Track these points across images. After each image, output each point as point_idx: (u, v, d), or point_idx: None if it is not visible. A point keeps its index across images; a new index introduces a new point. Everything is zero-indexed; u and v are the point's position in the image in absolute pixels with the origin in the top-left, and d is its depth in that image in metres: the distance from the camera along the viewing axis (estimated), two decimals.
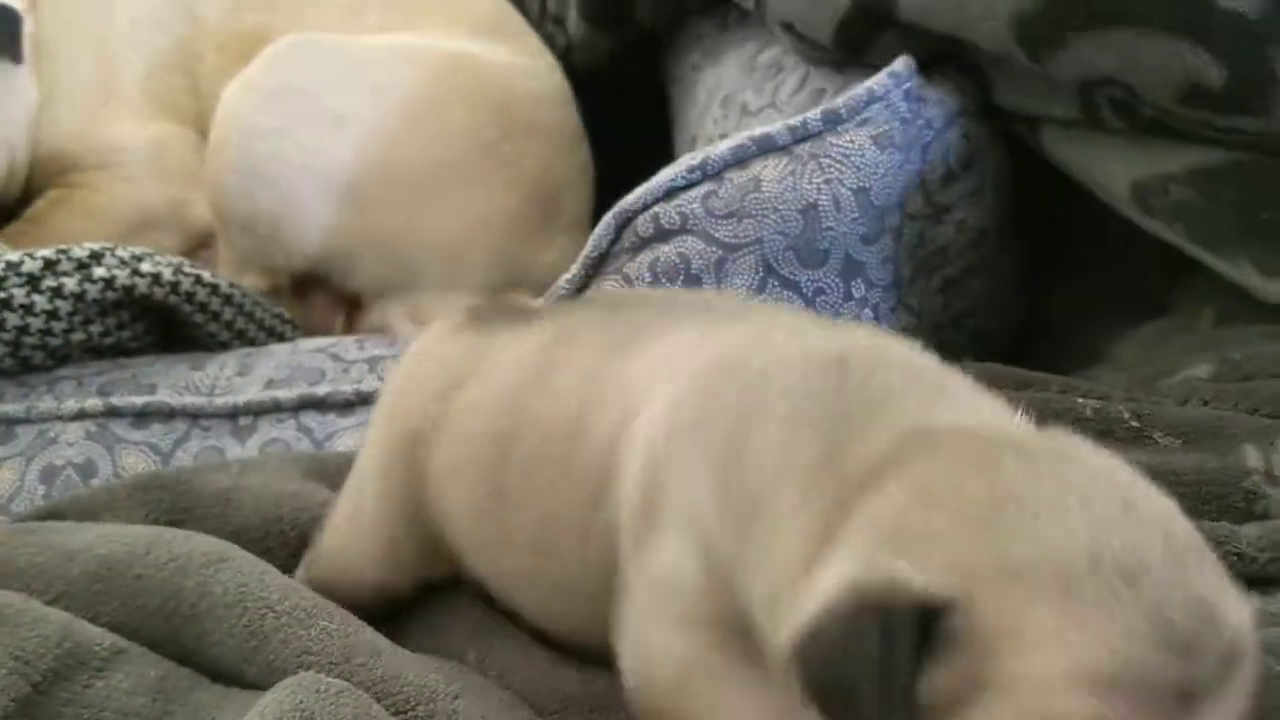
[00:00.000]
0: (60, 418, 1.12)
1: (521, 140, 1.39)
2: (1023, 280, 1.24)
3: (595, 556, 0.67)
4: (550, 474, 0.70)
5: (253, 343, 1.24)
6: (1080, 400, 0.90)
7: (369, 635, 0.74)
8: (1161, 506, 0.51)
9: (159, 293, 1.18)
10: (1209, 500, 0.79)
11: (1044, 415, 0.63)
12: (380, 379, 1.13)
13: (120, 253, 1.18)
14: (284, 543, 0.91)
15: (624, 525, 0.65)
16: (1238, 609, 0.49)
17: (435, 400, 0.78)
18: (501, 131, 1.38)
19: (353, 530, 0.83)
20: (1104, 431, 0.85)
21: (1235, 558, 0.74)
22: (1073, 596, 0.46)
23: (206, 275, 1.21)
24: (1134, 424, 0.87)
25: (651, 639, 0.63)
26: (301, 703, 0.65)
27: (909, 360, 0.63)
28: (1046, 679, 0.46)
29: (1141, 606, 0.46)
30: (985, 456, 0.53)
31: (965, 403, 0.60)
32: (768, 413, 0.60)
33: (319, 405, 1.13)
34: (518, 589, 0.76)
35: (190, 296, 1.20)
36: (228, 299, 1.23)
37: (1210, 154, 0.97)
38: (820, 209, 1.04)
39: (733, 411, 0.62)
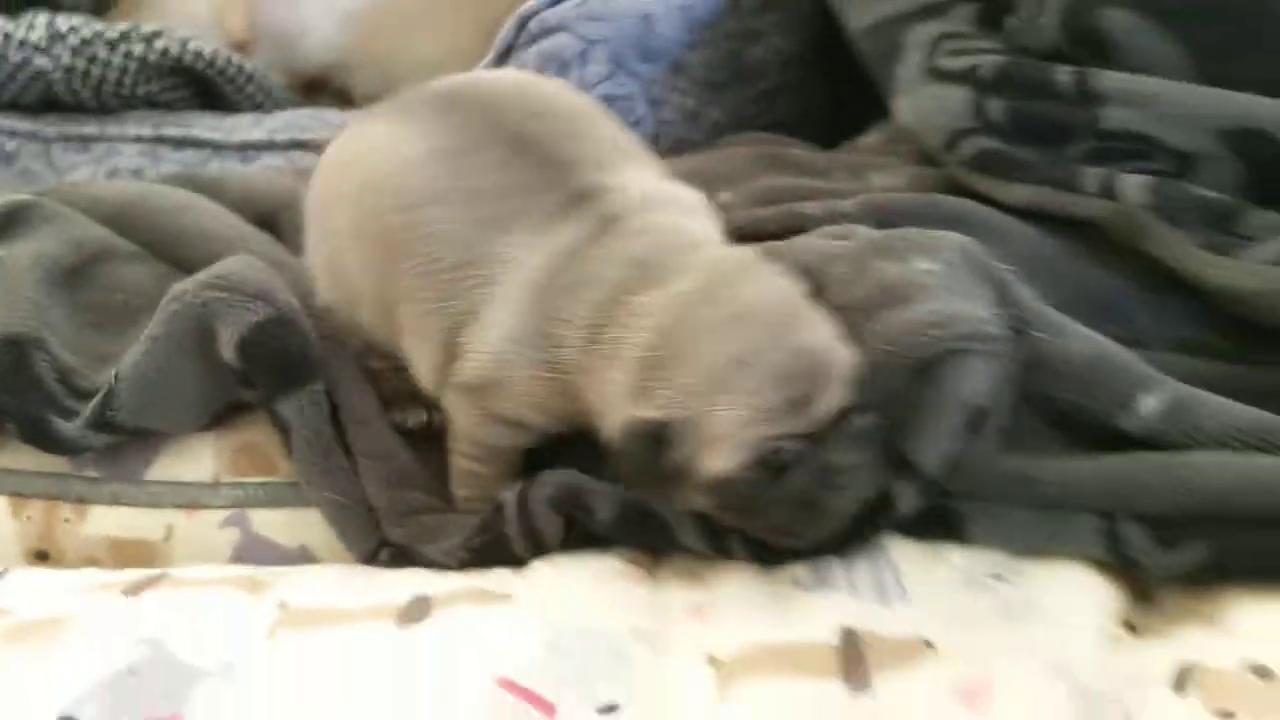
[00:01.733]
0: (124, 139, 1.59)
1: None
2: (830, 104, 1.64)
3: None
4: (423, 289, 0.96)
5: (263, 109, 1.70)
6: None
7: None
8: (776, 304, 0.88)
9: (200, 64, 1.65)
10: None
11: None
12: None
13: (177, 34, 1.65)
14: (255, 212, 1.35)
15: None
16: (825, 338, 0.88)
17: (334, 177, 1.03)
18: None
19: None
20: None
21: None
22: (725, 387, 0.84)
23: (236, 57, 1.68)
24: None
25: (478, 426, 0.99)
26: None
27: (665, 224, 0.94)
28: (727, 430, 0.84)
29: (762, 373, 0.84)
30: (674, 319, 0.86)
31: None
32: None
33: (303, 146, 1.58)
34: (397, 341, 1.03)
35: (223, 71, 1.67)
36: (250, 77, 1.70)
37: None
38: (654, 17, 1.46)
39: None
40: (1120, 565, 0.92)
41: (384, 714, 0.77)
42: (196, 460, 1.12)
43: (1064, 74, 1.14)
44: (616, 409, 0.89)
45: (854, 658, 0.84)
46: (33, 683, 0.80)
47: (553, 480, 0.96)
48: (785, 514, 0.88)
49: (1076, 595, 0.91)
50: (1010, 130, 1.18)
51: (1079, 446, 0.98)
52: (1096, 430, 0.98)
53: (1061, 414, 0.98)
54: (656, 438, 0.86)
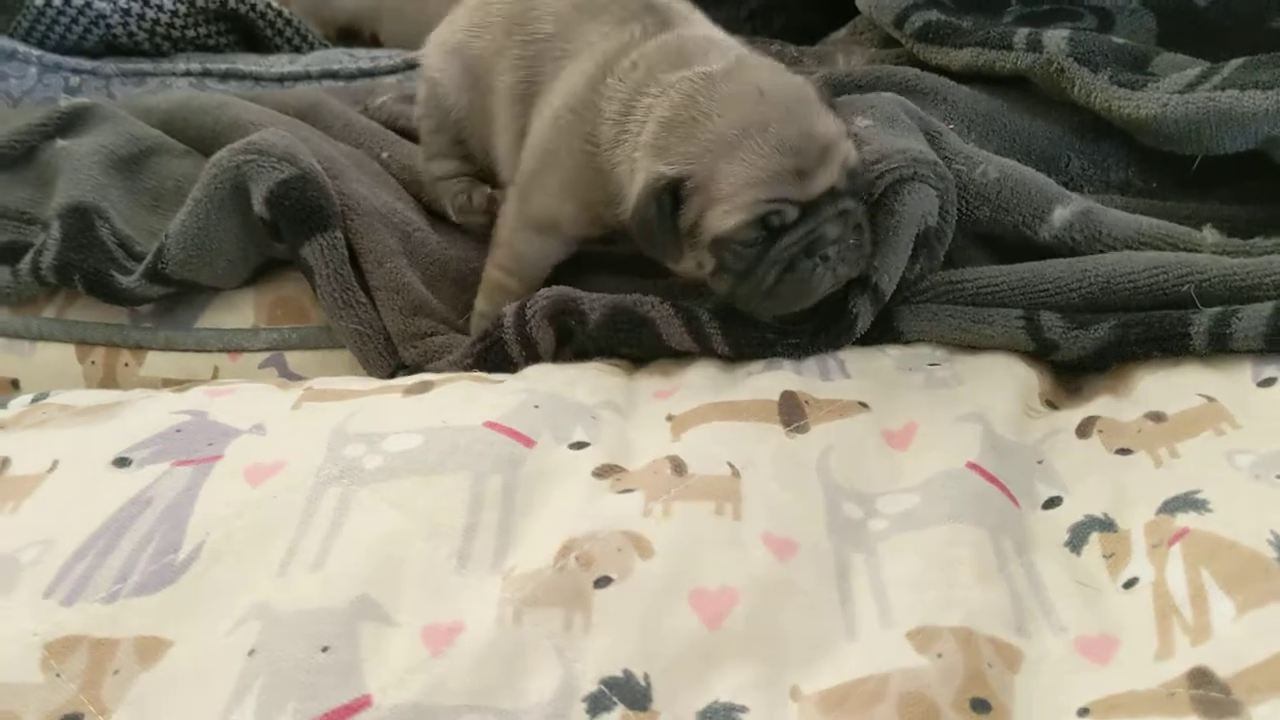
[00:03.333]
0: (174, 74, 1.76)
1: None
2: (826, 22, 1.76)
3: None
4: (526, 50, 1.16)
5: (299, 51, 1.87)
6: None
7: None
8: (789, 90, 1.02)
9: (243, 8, 1.82)
10: None
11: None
12: (374, 75, 1.75)
13: None
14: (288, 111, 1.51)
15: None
16: (829, 126, 1.01)
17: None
18: None
19: None
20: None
21: None
22: (736, 151, 0.97)
23: (276, 3, 1.86)
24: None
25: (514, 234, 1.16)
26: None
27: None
28: (733, 189, 0.97)
29: (770, 141, 0.97)
30: (698, 89, 1.00)
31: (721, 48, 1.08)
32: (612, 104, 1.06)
33: (334, 75, 1.75)
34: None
35: (264, 15, 1.85)
36: (289, 21, 1.87)
37: None
38: None
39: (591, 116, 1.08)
40: (1040, 349, 1.05)
41: (386, 450, 0.90)
42: (239, 311, 1.27)
43: None
44: (638, 172, 1.00)
45: (793, 408, 0.97)
46: (95, 438, 0.95)
47: (548, 294, 1.10)
48: (774, 276, 1.01)
49: (1000, 374, 1.03)
50: (951, 2, 1.31)
51: (1001, 258, 1.11)
52: (1016, 244, 1.11)
53: (983, 231, 1.11)
54: (671, 192, 0.98)
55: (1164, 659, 0.72)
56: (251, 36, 1.88)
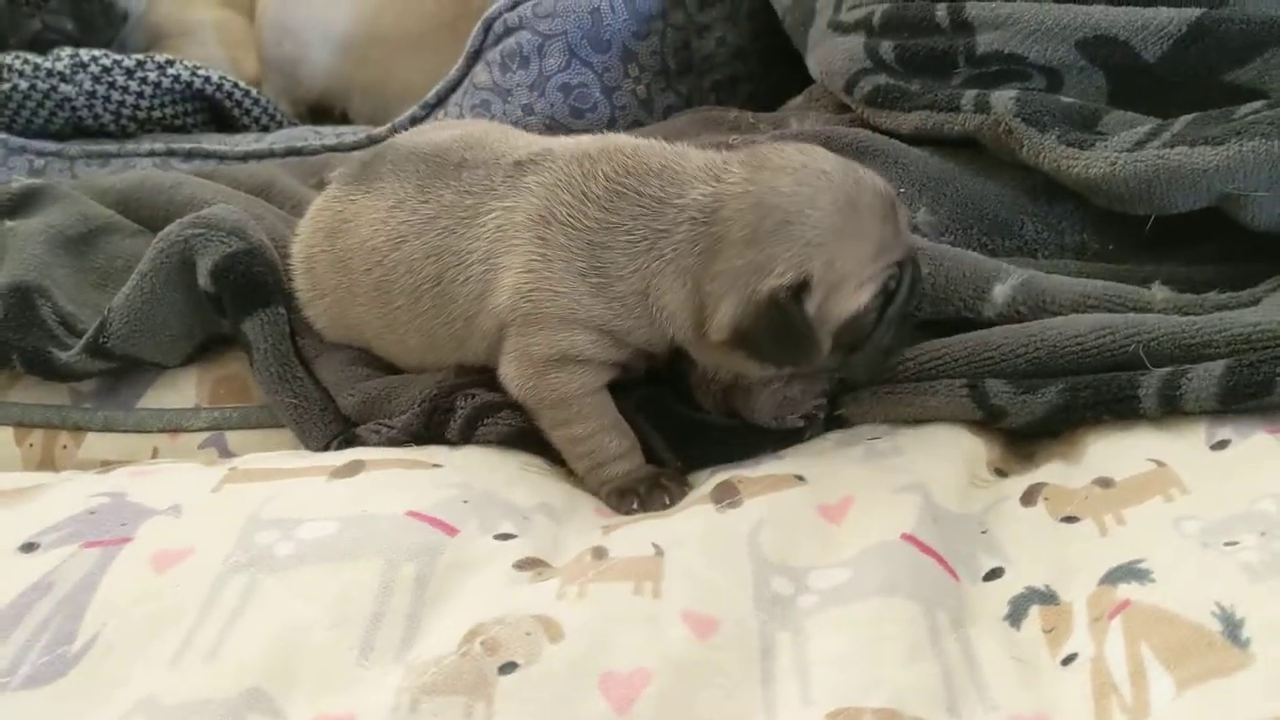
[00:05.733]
0: (138, 154, 1.76)
1: (471, 21, 1.99)
2: (795, 92, 1.75)
3: (475, 344, 1.06)
4: (425, 312, 1.07)
5: (267, 130, 1.88)
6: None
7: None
8: (834, 166, 0.98)
9: (209, 88, 1.83)
10: None
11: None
12: (339, 151, 1.74)
13: (188, 63, 1.84)
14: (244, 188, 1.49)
15: (502, 328, 1.03)
16: (881, 181, 1.00)
17: (322, 238, 1.15)
18: (457, 13, 2.00)
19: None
20: None
21: None
22: (844, 234, 0.95)
23: (243, 83, 1.86)
24: None
25: (537, 381, 1.02)
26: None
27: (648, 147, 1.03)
28: (855, 269, 0.95)
29: (868, 214, 0.96)
30: (758, 196, 0.95)
31: (702, 159, 1.02)
32: (605, 231, 0.99)
33: (299, 153, 1.74)
34: (409, 358, 1.14)
35: (230, 94, 1.85)
36: (256, 100, 1.88)
37: None
38: (602, 11, 1.61)
39: (573, 249, 0.99)
40: (987, 417, 1.01)
41: (299, 537, 0.86)
42: (181, 391, 1.25)
43: (940, 9, 1.26)
44: (727, 294, 0.95)
45: (726, 490, 0.94)
46: (6, 522, 0.92)
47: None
48: (891, 335, 1.01)
49: (943, 443, 1.00)
50: (899, 67, 1.30)
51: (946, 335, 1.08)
52: (960, 325, 1.08)
53: (926, 319, 1.08)
54: (796, 298, 0.94)
55: None
56: (220, 116, 1.88)
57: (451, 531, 0.86)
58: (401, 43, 1.97)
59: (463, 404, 1.06)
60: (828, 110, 1.42)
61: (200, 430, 1.21)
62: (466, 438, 1.06)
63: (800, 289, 0.95)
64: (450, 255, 1.05)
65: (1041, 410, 0.99)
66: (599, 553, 0.85)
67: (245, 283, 1.18)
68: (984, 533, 0.90)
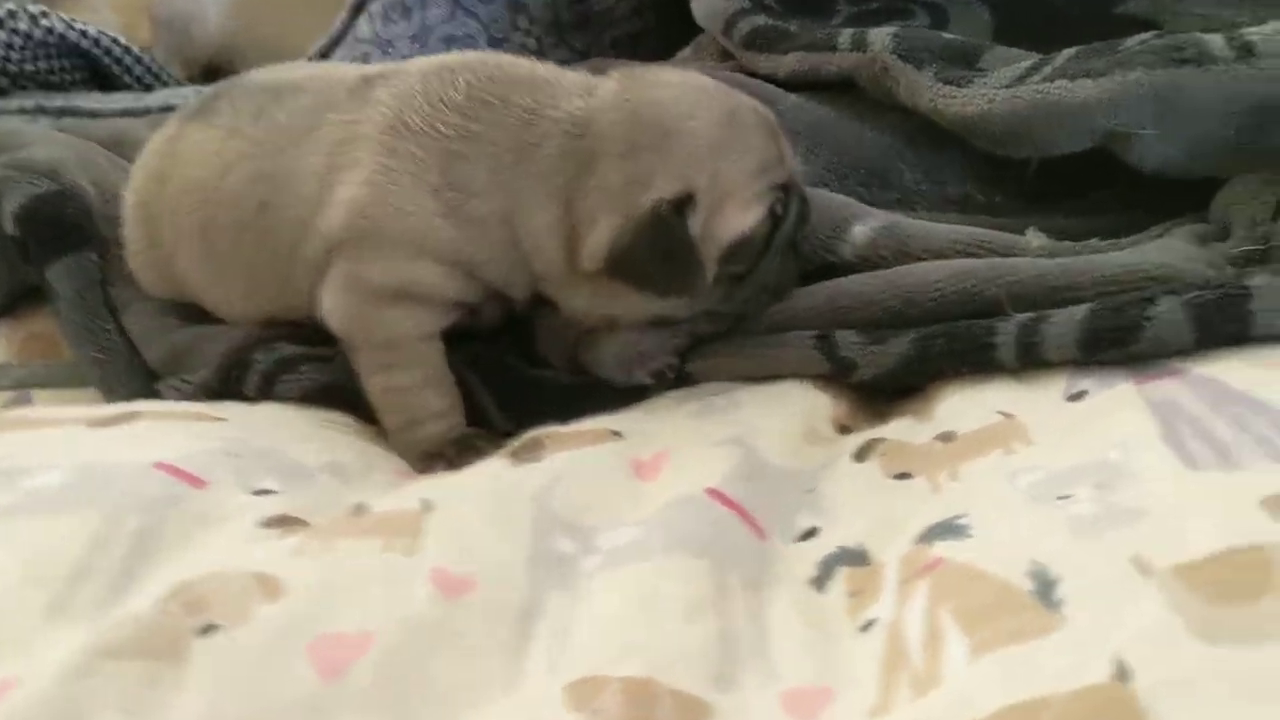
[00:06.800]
0: (6, 111, 1.65)
1: None
2: None
3: (299, 280, 0.93)
4: (250, 243, 0.95)
5: (150, 89, 1.77)
6: None
7: None
8: (711, 83, 0.92)
9: (85, 43, 1.72)
10: None
11: None
12: None
13: (65, 16, 1.73)
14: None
15: (331, 253, 0.90)
16: (759, 104, 0.93)
17: (154, 183, 1.03)
18: None
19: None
20: None
21: None
22: (728, 148, 0.87)
23: (123, 39, 1.76)
24: None
25: (365, 315, 0.91)
26: None
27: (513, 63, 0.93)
28: (740, 185, 0.87)
29: (749, 130, 0.89)
30: (635, 108, 0.87)
31: (578, 76, 0.93)
32: (464, 140, 0.88)
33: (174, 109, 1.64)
34: (231, 313, 1.03)
35: (109, 51, 1.74)
36: (138, 59, 1.77)
37: None
38: None
39: (426, 162, 0.87)
40: (837, 370, 0.92)
41: (20, 487, 0.75)
42: None
43: None
44: (601, 212, 0.86)
45: (531, 445, 0.84)
46: None
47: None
48: (778, 266, 0.93)
49: (785, 398, 0.91)
50: (778, 5, 1.20)
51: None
52: (820, 272, 0.98)
53: None
54: (679, 213, 0.85)
55: (879, 715, 0.58)
56: (100, 75, 1.77)
57: (198, 484, 0.76)
58: (293, 4, 1.87)
59: (261, 358, 0.96)
60: (713, 60, 1.32)
61: (6, 389, 1.11)
62: (266, 394, 0.95)
63: (683, 204, 0.86)
64: (279, 177, 0.93)
65: (892, 362, 0.89)
66: (360, 509, 0.74)
67: (52, 226, 1.08)
68: (810, 491, 0.80)
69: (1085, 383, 0.81)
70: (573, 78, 0.93)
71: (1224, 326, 0.80)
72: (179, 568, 0.68)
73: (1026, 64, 1.01)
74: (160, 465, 0.77)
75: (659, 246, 0.86)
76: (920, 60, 1.05)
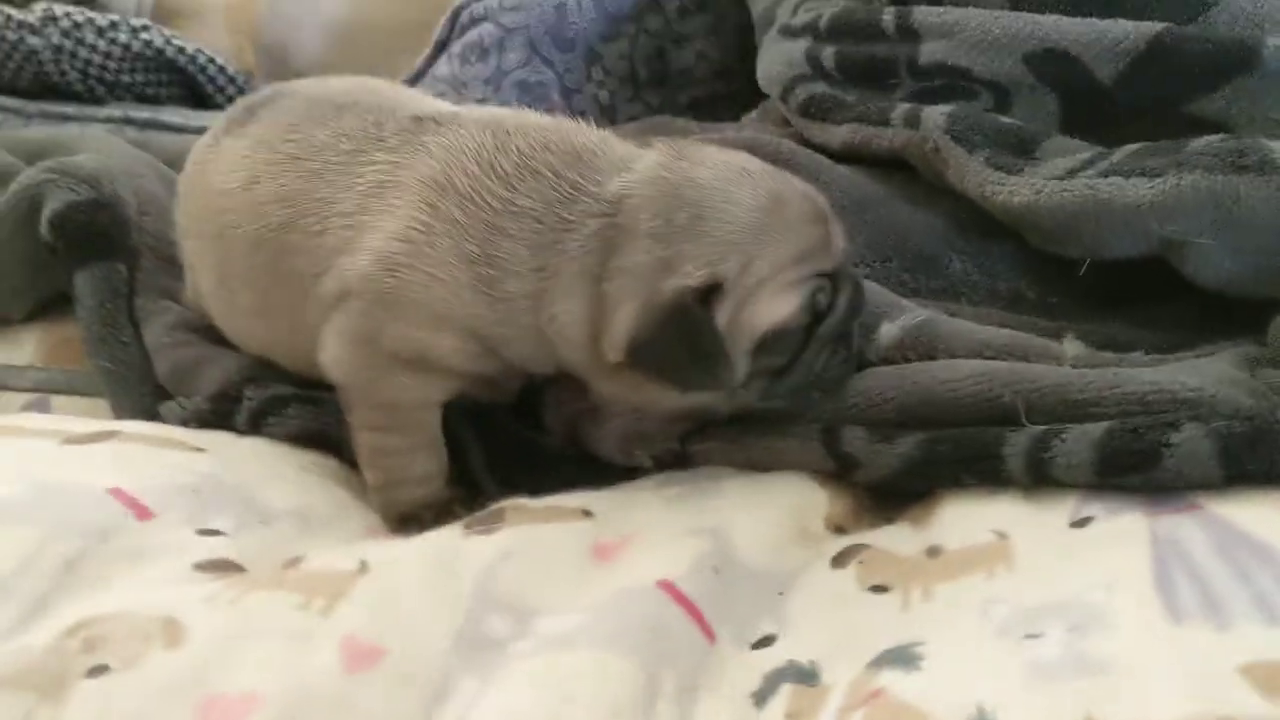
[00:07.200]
0: (95, 119, 1.70)
1: None
2: None
3: (311, 314, 0.87)
4: (264, 264, 0.90)
5: None
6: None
7: None
8: (757, 164, 0.85)
9: (182, 59, 1.76)
10: None
11: None
12: None
13: (165, 31, 1.78)
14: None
15: (343, 299, 0.85)
16: (812, 189, 0.86)
17: (183, 194, 1.01)
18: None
19: None
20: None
21: None
22: (765, 234, 0.81)
23: (219, 59, 1.79)
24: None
25: (371, 376, 0.86)
26: None
27: (561, 130, 0.86)
28: (775, 272, 0.80)
29: (793, 215, 0.82)
30: (671, 187, 0.81)
31: (625, 149, 0.86)
32: (509, 215, 0.82)
33: None
34: (237, 338, 1.00)
35: (204, 69, 1.78)
36: (231, 79, 1.81)
37: None
38: (567, 7, 1.51)
39: (468, 230, 0.82)
40: (839, 467, 0.86)
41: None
42: (19, 347, 1.16)
43: (888, 15, 1.12)
44: (625, 298, 0.80)
45: (494, 516, 0.80)
46: None
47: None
48: (824, 360, 0.85)
49: (777, 492, 0.85)
50: (838, 75, 1.16)
51: None
52: None
53: None
54: (705, 302, 0.79)
55: None
56: (195, 92, 1.82)
57: (146, 515, 0.74)
58: (394, 31, 1.89)
59: (252, 395, 0.94)
60: (775, 126, 1.28)
61: (25, 390, 1.12)
62: (254, 431, 0.94)
63: (710, 293, 0.79)
64: (308, 202, 0.88)
65: (896, 463, 0.83)
66: (294, 561, 0.72)
67: (83, 233, 1.09)
68: (780, 594, 0.75)
69: (1094, 508, 0.75)
70: (619, 150, 0.86)
71: (1254, 463, 0.72)
72: (92, 602, 0.66)
73: (1084, 156, 0.95)
74: (114, 491, 0.76)
75: (681, 338, 0.79)
76: (973, 143, 1.00)
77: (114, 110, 1.71)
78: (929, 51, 1.08)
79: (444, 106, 0.95)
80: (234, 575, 0.71)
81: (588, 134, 0.88)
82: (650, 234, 0.80)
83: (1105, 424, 0.76)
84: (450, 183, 0.84)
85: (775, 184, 0.84)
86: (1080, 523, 0.74)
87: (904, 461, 0.83)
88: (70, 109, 1.71)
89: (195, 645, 0.62)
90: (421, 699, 0.62)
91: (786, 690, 0.65)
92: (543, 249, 0.82)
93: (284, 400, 0.93)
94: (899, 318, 0.92)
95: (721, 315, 0.80)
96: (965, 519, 0.78)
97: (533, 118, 0.90)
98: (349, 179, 0.88)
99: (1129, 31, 0.97)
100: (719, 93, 1.60)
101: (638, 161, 0.85)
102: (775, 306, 0.81)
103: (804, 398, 0.86)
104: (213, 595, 0.66)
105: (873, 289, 0.96)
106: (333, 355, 0.87)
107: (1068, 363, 0.87)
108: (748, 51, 1.58)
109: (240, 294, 0.96)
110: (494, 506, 0.81)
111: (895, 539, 0.80)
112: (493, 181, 0.83)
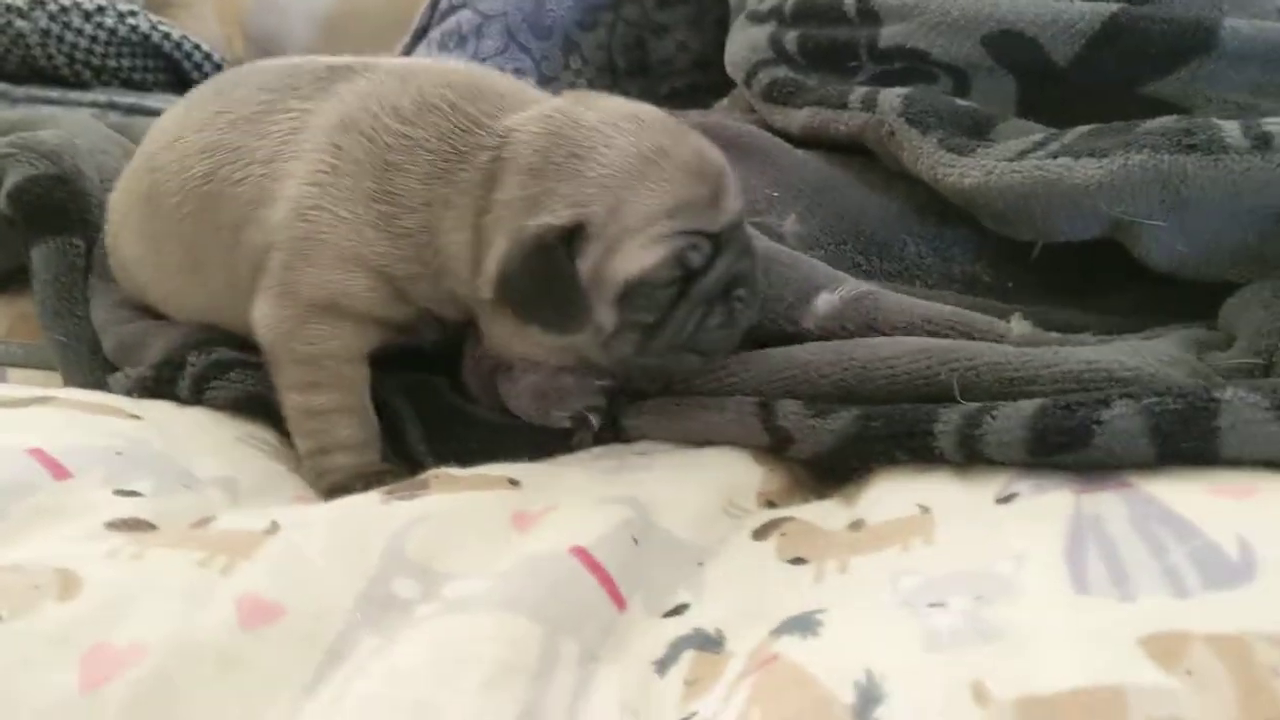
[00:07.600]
0: (80, 104, 1.71)
1: None
2: None
3: (242, 268, 0.90)
4: (189, 216, 0.92)
5: None
6: None
7: None
8: (663, 115, 0.85)
9: (168, 46, 1.77)
10: None
11: None
12: None
13: (152, 17, 1.78)
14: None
15: (269, 251, 0.87)
16: (714, 150, 0.85)
17: (130, 178, 1.02)
18: None
19: None
20: None
21: None
22: (640, 181, 0.80)
23: (205, 45, 1.80)
24: None
25: (293, 328, 0.87)
26: None
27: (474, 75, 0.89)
28: (645, 222, 0.80)
29: (674, 167, 0.81)
30: (557, 125, 0.81)
31: (537, 94, 0.89)
32: (403, 149, 0.84)
33: None
34: (170, 303, 1.02)
35: (189, 55, 1.79)
36: (217, 65, 1.81)
37: None
38: None
39: (366, 166, 0.84)
40: (774, 442, 0.85)
41: None
42: None
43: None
44: (499, 232, 0.82)
45: (414, 485, 0.79)
46: None
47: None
48: (695, 323, 0.84)
49: (707, 466, 0.85)
50: (800, 59, 1.15)
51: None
52: (780, 335, 0.92)
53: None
54: (566, 242, 0.80)
55: None
56: (182, 78, 1.82)
57: (63, 475, 0.74)
58: (382, 19, 1.89)
59: (195, 360, 0.94)
60: (742, 112, 1.27)
61: None
62: (197, 397, 0.93)
63: (573, 233, 0.79)
64: (227, 151, 0.91)
65: (830, 439, 0.82)
66: (204, 521, 0.71)
67: (39, 206, 1.10)
68: (700, 565, 0.74)
69: (1022, 485, 0.74)
70: (530, 94, 0.88)
71: (1185, 442, 0.70)
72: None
73: (1036, 138, 0.94)
74: (33, 451, 0.76)
75: (540, 276, 0.80)
76: (927, 125, 0.99)
77: (99, 95, 1.71)
78: (889, 35, 1.07)
79: (365, 59, 0.95)
80: (142, 532, 0.70)
81: (500, 78, 0.90)
82: (528, 169, 0.82)
83: (1038, 401, 0.75)
84: (354, 124, 0.86)
85: (665, 137, 0.83)
86: (1006, 499, 0.73)
87: (837, 437, 0.82)
88: (55, 93, 1.71)
89: (88, 597, 0.61)
90: (316, 656, 0.61)
91: (689, 657, 0.64)
92: (433, 179, 0.84)
93: (226, 365, 0.93)
94: (837, 289, 0.91)
95: (586, 259, 0.80)
96: (891, 495, 0.77)
97: (448, 64, 0.92)
98: (265, 126, 0.90)
99: (1084, 12, 0.96)
100: (699, 83, 1.59)
101: (541, 103, 0.86)
102: (639, 256, 0.81)
103: (678, 357, 0.86)
104: (115, 550, 0.65)
105: (815, 264, 0.95)
106: (257, 316, 0.89)
107: (1011, 341, 0.86)
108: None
109: (170, 252, 0.97)
110: (419, 476, 0.81)
111: (822, 513, 0.79)
112: (390, 119, 0.85)
